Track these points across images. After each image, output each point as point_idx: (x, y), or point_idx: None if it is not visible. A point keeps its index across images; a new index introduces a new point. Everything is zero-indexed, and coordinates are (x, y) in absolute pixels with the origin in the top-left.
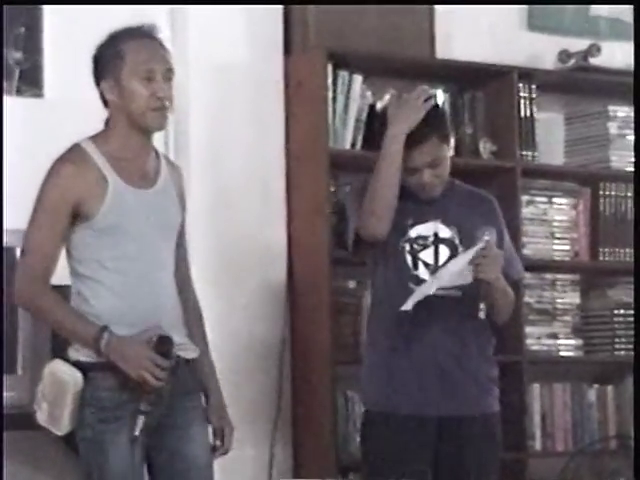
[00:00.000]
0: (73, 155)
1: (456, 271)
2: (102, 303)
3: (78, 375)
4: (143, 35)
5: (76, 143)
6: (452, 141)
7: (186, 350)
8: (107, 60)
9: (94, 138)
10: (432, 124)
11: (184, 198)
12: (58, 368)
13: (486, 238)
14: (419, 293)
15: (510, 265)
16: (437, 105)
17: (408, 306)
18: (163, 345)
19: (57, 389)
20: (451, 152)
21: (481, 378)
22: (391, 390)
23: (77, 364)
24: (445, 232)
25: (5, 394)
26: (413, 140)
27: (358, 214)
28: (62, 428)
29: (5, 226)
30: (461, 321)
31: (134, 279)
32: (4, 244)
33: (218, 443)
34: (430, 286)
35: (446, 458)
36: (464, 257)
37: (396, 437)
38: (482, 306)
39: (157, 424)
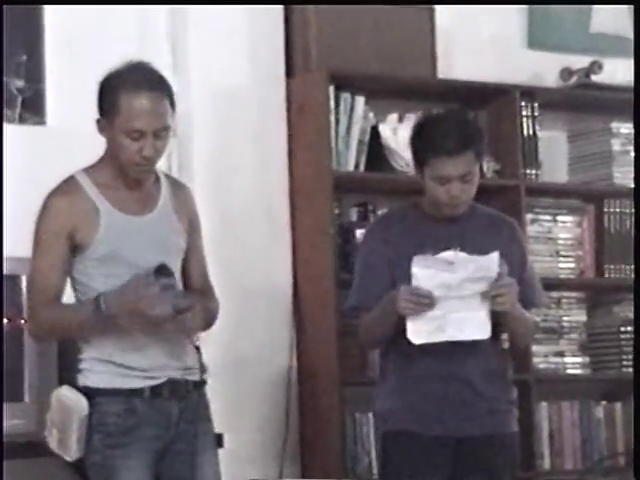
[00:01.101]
0: (65, 187)
1: (473, 319)
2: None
3: (83, 401)
4: (144, 88)
5: (71, 175)
6: (479, 170)
7: (195, 373)
8: (105, 103)
9: (88, 169)
10: (472, 138)
11: (195, 217)
12: (64, 394)
13: (498, 270)
14: (431, 335)
15: (533, 291)
16: (470, 121)
17: (419, 341)
18: (158, 275)
19: (64, 415)
20: (479, 174)
21: (499, 400)
22: (403, 409)
23: (84, 390)
24: None
25: (12, 422)
26: (451, 150)
27: (359, 297)
28: (71, 454)
29: (7, 254)
30: (480, 343)
31: (110, 329)
32: (6, 272)
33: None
34: (446, 335)
35: (464, 477)
36: (477, 302)
37: (414, 457)
38: (505, 336)
39: (166, 449)
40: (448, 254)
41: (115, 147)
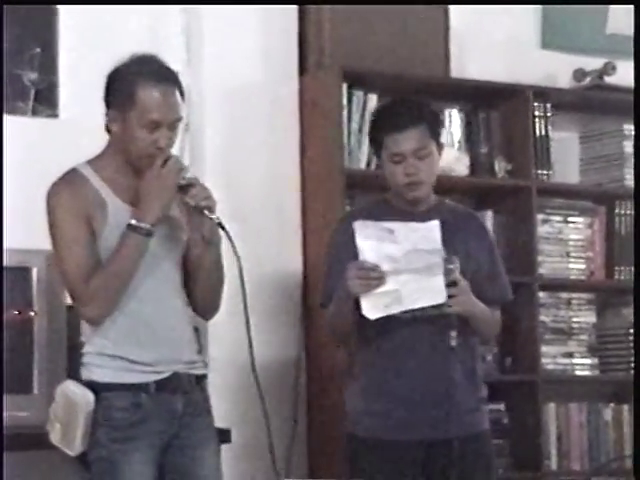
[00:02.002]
0: (69, 177)
1: (427, 287)
2: (113, 324)
3: (90, 396)
4: (159, 80)
5: (73, 168)
6: (465, 160)
7: (198, 367)
8: (118, 94)
9: (91, 162)
10: (422, 114)
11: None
12: (69, 389)
13: (450, 267)
14: (388, 307)
15: (500, 286)
16: (423, 103)
17: (375, 315)
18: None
19: (69, 410)
20: (464, 168)
21: (469, 399)
22: (374, 413)
23: (89, 384)
24: None
25: (20, 414)
26: (400, 124)
27: (327, 295)
28: (75, 448)
29: (18, 246)
30: (447, 341)
31: (141, 298)
32: (16, 264)
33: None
34: (402, 306)
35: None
36: (430, 273)
37: (383, 463)
38: (453, 334)
39: (169, 443)
40: (389, 223)
41: (128, 139)
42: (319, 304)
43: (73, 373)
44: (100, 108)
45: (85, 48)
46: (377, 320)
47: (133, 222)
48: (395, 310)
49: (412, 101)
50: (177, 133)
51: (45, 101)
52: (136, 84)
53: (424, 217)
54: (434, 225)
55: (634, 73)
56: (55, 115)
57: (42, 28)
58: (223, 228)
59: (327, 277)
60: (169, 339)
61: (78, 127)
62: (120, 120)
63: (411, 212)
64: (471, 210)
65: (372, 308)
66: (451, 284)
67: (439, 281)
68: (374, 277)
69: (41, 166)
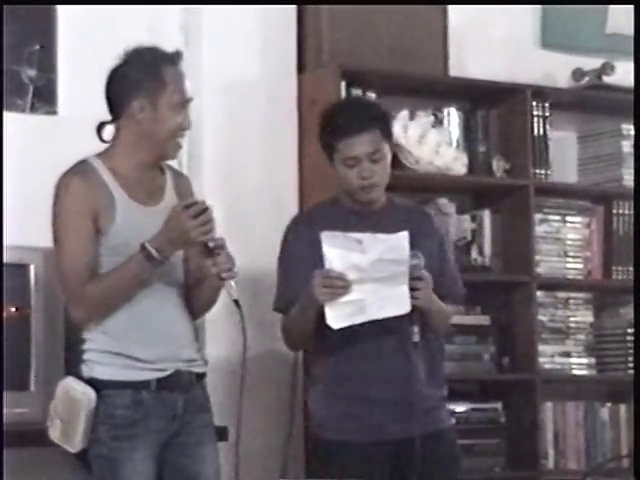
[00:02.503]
0: (81, 169)
1: (392, 297)
2: (114, 321)
3: (91, 393)
4: (176, 63)
5: (83, 159)
6: (464, 159)
7: (198, 365)
8: (145, 81)
9: (101, 155)
10: (375, 116)
11: None
12: (71, 386)
13: (414, 262)
14: (352, 317)
15: (453, 283)
16: (373, 103)
17: (338, 325)
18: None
19: (70, 407)
20: (462, 167)
21: (430, 398)
22: (340, 416)
23: (90, 381)
24: None
25: (18, 410)
26: (354, 128)
27: (284, 300)
28: (75, 445)
29: (16, 243)
30: (408, 343)
31: (143, 296)
32: (14, 260)
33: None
34: (366, 315)
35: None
36: (395, 282)
37: (352, 465)
38: (416, 329)
39: (169, 441)
40: (357, 234)
41: (159, 124)
42: (274, 309)
43: (71, 370)
44: (99, 105)
45: (84, 45)
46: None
47: (148, 246)
48: (359, 320)
49: (363, 103)
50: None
51: (43, 98)
52: (163, 68)
53: (376, 216)
54: (403, 236)
55: (634, 73)
56: (54, 112)
57: (41, 25)
58: (238, 306)
59: (285, 282)
60: (170, 337)
61: (76, 124)
62: (149, 107)
63: (363, 212)
64: (421, 207)
65: (336, 317)
66: (415, 279)
67: (404, 291)
68: (340, 286)
69: (39, 163)
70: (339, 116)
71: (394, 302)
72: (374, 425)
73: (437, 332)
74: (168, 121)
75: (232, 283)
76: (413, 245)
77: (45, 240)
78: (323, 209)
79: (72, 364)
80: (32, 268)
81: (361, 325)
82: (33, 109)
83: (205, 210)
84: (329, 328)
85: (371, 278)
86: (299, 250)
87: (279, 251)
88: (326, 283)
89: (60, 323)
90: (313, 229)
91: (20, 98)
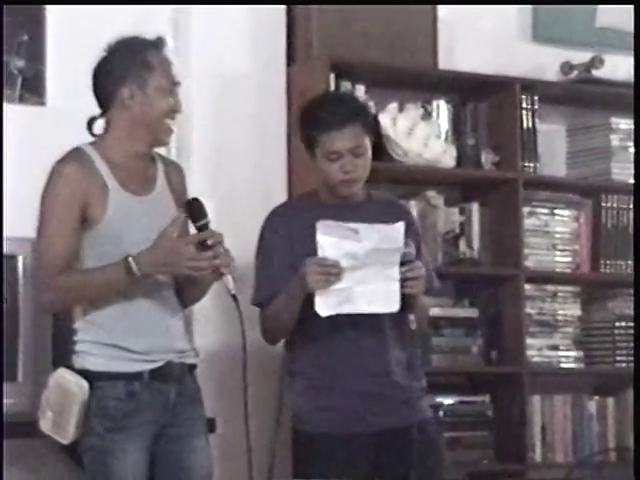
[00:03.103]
0: (75, 156)
1: (381, 292)
2: (105, 312)
3: (85, 384)
4: (163, 48)
5: (77, 147)
6: (453, 152)
7: (189, 357)
8: (132, 67)
9: (95, 144)
10: (357, 110)
11: (184, 196)
12: (64, 377)
13: (407, 250)
14: (340, 306)
15: (431, 276)
16: (355, 97)
17: (326, 312)
18: (194, 210)
19: (63, 398)
20: (450, 160)
21: (410, 389)
22: (321, 409)
23: (83, 372)
24: None
25: (6, 401)
26: (336, 122)
27: (264, 293)
28: (67, 437)
29: (5, 234)
30: (388, 333)
31: (136, 287)
32: (4, 252)
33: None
34: (355, 307)
35: (390, 471)
36: (386, 276)
37: (335, 457)
38: (412, 317)
39: (162, 433)
40: (353, 224)
41: (149, 109)
42: (252, 303)
43: (61, 360)
44: (87, 96)
45: (73, 36)
46: (319, 317)
47: (131, 259)
48: (347, 310)
49: (344, 97)
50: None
51: (32, 89)
52: (150, 53)
53: (353, 210)
54: (399, 226)
55: (634, 71)
56: (42, 103)
57: (29, 16)
58: (236, 301)
59: (263, 276)
60: (162, 328)
61: (65, 115)
62: (138, 93)
63: (341, 205)
64: (399, 200)
65: (324, 305)
66: (408, 264)
67: (395, 289)
68: (333, 273)
69: (28, 154)
70: (321, 109)
71: (384, 298)
72: (355, 417)
73: (419, 324)
74: (158, 104)
75: (230, 278)
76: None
77: (33, 231)
78: (301, 202)
79: (61, 355)
80: (20, 259)
81: (341, 321)
82: (22, 100)
83: (217, 242)
84: (309, 320)
85: (364, 266)
86: (276, 243)
87: (257, 245)
88: (320, 270)
89: (48, 314)
90: (290, 222)
91: (9, 89)
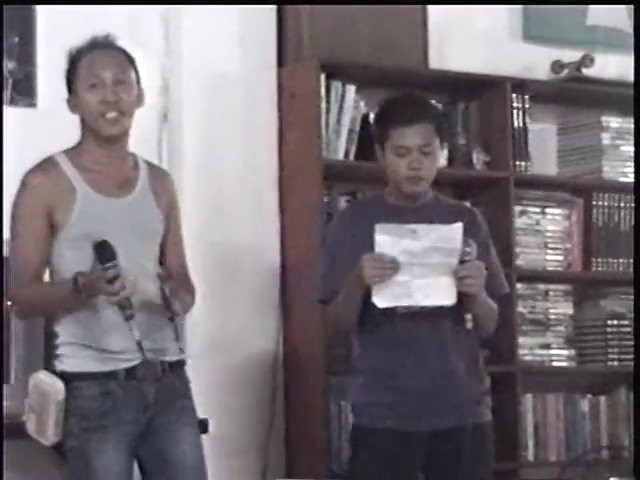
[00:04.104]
0: (43, 165)
1: (438, 286)
2: (82, 313)
3: (60, 385)
4: (96, 47)
5: (49, 156)
6: (444, 151)
7: (169, 354)
8: (68, 77)
9: (67, 151)
10: (429, 110)
11: (174, 203)
12: (41, 379)
13: (467, 250)
14: (398, 299)
15: (496, 280)
16: (427, 100)
17: (384, 304)
18: (102, 252)
19: (41, 400)
20: (443, 160)
21: (470, 390)
22: (378, 405)
23: (61, 374)
24: None
25: None
26: (407, 118)
27: (327, 291)
28: (48, 438)
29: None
30: (448, 334)
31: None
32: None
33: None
34: (412, 300)
35: (438, 471)
36: (444, 272)
37: (386, 453)
38: (469, 317)
39: (145, 432)
40: (411, 225)
41: (81, 110)
42: (318, 300)
43: (49, 363)
44: None
45: (63, 37)
46: (378, 314)
47: (78, 281)
48: (404, 302)
49: (419, 97)
50: (130, 93)
51: (23, 91)
52: (77, 58)
53: (419, 212)
54: (457, 227)
55: (634, 70)
56: (33, 105)
57: (20, 17)
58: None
59: (327, 274)
60: (138, 326)
61: (56, 117)
62: (74, 99)
63: (405, 208)
64: (466, 205)
65: (382, 297)
66: (465, 263)
67: (451, 282)
68: (389, 267)
69: (18, 156)
70: (396, 105)
71: (440, 292)
72: (410, 415)
73: (481, 324)
74: (86, 103)
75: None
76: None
77: None
78: (367, 203)
79: (47, 359)
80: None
81: (401, 318)
82: (13, 102)
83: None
84: (371, 317)
85: (421, 263)
86: (340, 243)
87: (323, 244)
88: (376, 265)
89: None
90: (355, 222)
91: None
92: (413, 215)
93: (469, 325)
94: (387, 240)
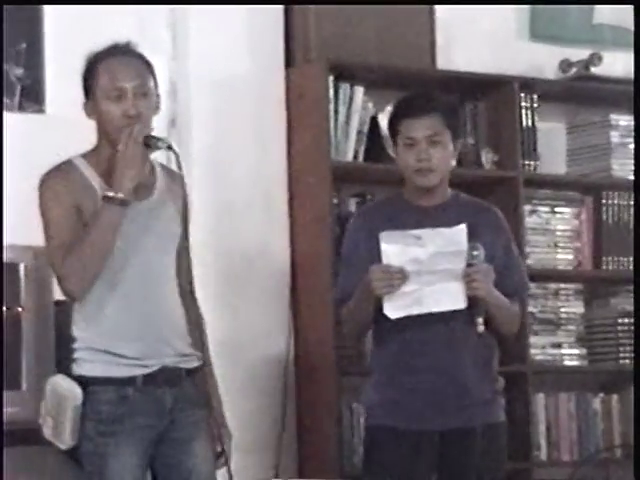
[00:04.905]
0: (63, 167)
1: (448, 291)
2: (102, 318)
3: (77, 390)
4: (116, 53)
5: (67, 159)
6: (457, 145)
7: (189, 361)
8: (86, 82)
9: (84, 155)
10: (438, 102)
11: (187, 206)
12: (58, 383)
13: (475, 253)
14: (409, 308)
15: (517, 280)
16: (440, 95)
17: (396, 315)
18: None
19: (58, 404)
20: (455, 156)
21: (481, 391)
22: (389, 403)
23: (78, 379)
24: None
25: (9, 410)
26: (415, 110)
27: (344, 290)
28: (65, 442)
29: (7, 242)
30: (460, 335)
31: (133, 291)
32: (5, 259)
33: (219, 450)
34: (423, 308)
35: (450, 471)
36: (452, 277)
37: (398, 452)
38: (480, 320)
39: (161, 438)
40: (416, 230)
41: (102, 120)
42: (336, 300)
43: (62, 368)
44: None
45: (71, 43)
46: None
47: (107, 193)
48: (415, 311)
49: (430, 93)
50: (150, 104)
51: (31, 97)
52: (96, 63)
53: (438, 211)
54: (461, 229)
55: (634, 69)
56: (41, 111)
57: (27, 23)
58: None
59: (344, 274)
60: (157, 332)
61: (64, 123)
62: (93, 106)
63: (424, 207)
64: (487, 204)
65: (394, 308)
66: (471, 267)
67: (460, 286)
68: (397, 278)
69: (27, 162)
70: (406, 101)
71: (450, 297)
72: (420, 414)
73: (498, 326)
74: (107, 115)
75: None
76: (476, 239)
77: (35, 239)
78: (386, 202)
79: (63, 362)
80: (22, 267)
81: (414, 320)
82: (21, 108)
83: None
84: (384, 318)
85: (429, 270)
86: (358, 242)
87: (342, 244)
88: (383, 277)
89: (50, 321)
90: (373, 221)
91: (8, 97)
92: (433, 214)
93: (480, 329)
94: (394, 249)
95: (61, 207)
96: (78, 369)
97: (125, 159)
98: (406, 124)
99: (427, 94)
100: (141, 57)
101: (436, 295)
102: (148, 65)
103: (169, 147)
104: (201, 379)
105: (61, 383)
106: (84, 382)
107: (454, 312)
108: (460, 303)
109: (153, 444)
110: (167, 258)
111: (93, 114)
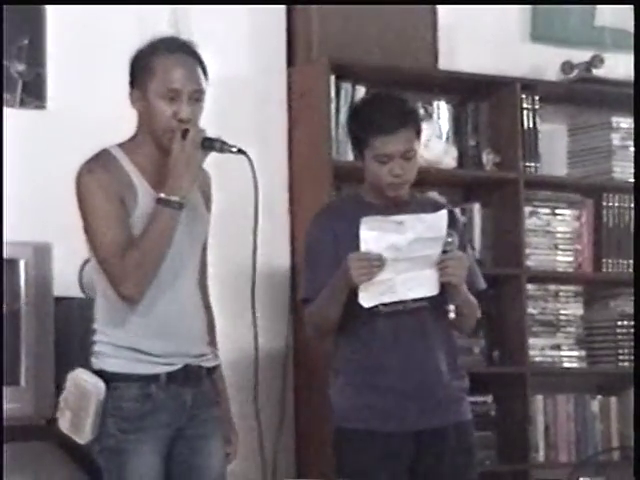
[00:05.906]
0: (102, 159)
1: (421, 278)
2: (124, 314)
3: (101, 385)
4: (175, 50)
5: (104, 149)
6: (454, 152)
7: (208, 360)
8: (138, 71)
9: (122, 145)
10: (410, 115)
11: (210, 202)
12: (81, 377)
13: (449, 240)
14: (382, 296)
15: (474, 275)
16: (406, 100)
17: (369, 303)
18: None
19: (80, 398)
20: (453, 161)
21: (452, 389)
22: (362, 406)
23: (100, 373)
24: None
25: (8, 405)
26: (390, 126)
27: (310, 289)
28: (84, 437)
29: (7, 238)
30: (431, 332)
31: (158, 289)
32: (5, 256)
33: (228, 451)
34: (395, 295)
35: (424, 471)
36: (427, 264)
37: (369, 454)
38: (451, 307)
39: (177, 435)
40: (398, 216)
41: (150, 115)
42: (301, 299)
43: (70, 362)
44: (88, 99)
45: (73, 39)
46: (361, 313)
47: (163, 196)
48: (389, 299)
49: (396, 100)
50: (201, 109)
51: (33, 92)
52: (155, 56)
53: (399, 210)
54: (442, 215)
55: (634, 70)
56: (43, 107)
57: (29, 19)
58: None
59: (311, 272)
60: (181, 332)
61: (66, 119)
62: (141, 98)
63: (385, 206)
64: (442, 201)
65: (367, 296)
66: (447, 253)
67: (433, 273)
68: (376, 266)
69: (29, 158)
70: (374, 112)
71: (423, 284)
72: (393, 415)
73: (461, 318)
74: (157, 113)
75: None
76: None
77: (35, 235)
78: (345, 202)
79: (62, 359)
80: (22, 263)
81: (381, 318)
82: (22, 104)
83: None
84: (351, 315)
85: (406, 257)
86: (322, 242)
87: (304, 245)
88: (362, 264)
89: (50, 318)
90: (336, 222)
91: (9, 93)
92: (395, 212)
93: (452, 315)
94: (372, 236)
95: (108, 199)
96: (99, 363)
97: (182, 162)
98: (379, 140)
99: (396, 103)
100: (198, 58)
101: (409, 282)
102: (203, 67)
103: (240, 151)
104: (218, 378)
105: (84, 377)
106: (106, 377)
107: (424, 308)
108: (433, 290)
109: (170, 441)
110: (195, 259)
111: (139, 105)
